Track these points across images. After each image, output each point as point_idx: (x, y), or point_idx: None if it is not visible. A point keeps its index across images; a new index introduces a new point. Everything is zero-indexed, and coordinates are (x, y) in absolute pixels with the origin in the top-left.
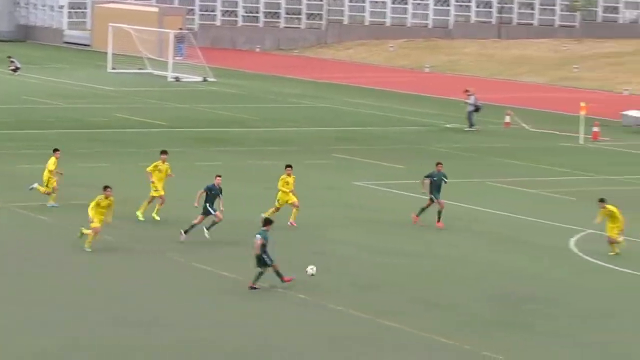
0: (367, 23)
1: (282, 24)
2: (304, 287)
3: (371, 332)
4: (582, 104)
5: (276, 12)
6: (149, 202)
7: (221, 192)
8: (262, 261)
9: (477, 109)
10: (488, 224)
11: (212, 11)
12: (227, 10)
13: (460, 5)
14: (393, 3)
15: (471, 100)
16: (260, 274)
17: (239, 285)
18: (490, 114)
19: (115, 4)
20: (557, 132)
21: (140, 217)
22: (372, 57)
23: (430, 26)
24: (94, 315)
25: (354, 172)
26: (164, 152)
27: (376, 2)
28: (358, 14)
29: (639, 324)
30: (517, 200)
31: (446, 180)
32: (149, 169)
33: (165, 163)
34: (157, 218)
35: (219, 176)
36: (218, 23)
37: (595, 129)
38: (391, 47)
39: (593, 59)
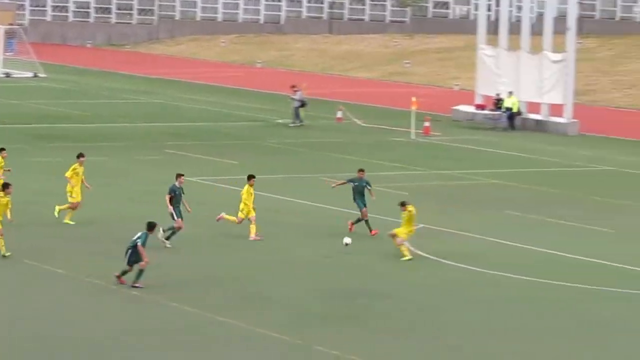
0: (198, 18)
1: (113, 19)
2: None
3: (205, 328)
4: (413, 99)
5: (107, 8)
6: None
7: (183, 193)
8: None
9: (303, 104)
10: (320, 219)
11: (43, 6)
12: (58, 6)
13: (292, 1)
14: None
15: (297, 95)
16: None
17: (77, 282)
18: (322, 109)
19: None
20: (389, 127)
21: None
22: (204, 52)
23: (261, 21)
24: None
25: (186, 168)
26: (81, 155)
27: None
28: (189, 9)
29: (468, 317)
30: (349, 195)
31: (370, 186)
32: (67, 173)
33: (82, 166)
34: (71, 223)
35: (182, 175)
36: (49, 18)
37: (427, 123)
38: (223, 42)
39: (423, 54)
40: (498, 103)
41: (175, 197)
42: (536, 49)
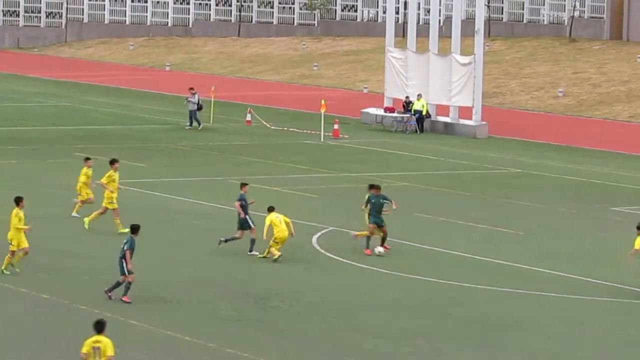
0: (107, 21)
1: (21, 22)
2: (50, 289)
3: (116, 330)
4: (322, 102)
5: (15, 10)
6: (101, 213)
7: (246, 202)
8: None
9: (199, 107)
10: (231, 221)
11: None
12: None
13: (200, 4)
14: (133, 1)
15: (194, 98)
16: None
17: None
18: (231, 112)
19: None
20: (298, 130)
21: (86, 225)
22: (112, 55)
23: (170, 24)
24: None
25: (95, 171)
26: (115, 161)
27: (116, 0)
28: (98, 12)
29: (378, 319)
30: (258, 198)
31: (388, 200)
32: (103, 180)
33: (117, 172)
34: (125, 230)
35: (246, 184)
36: None
37: (336, 126)
38: (131, 45)
39: (332, 57)
40: (407, 106)
41: (244, 205)
42: (444, 51)
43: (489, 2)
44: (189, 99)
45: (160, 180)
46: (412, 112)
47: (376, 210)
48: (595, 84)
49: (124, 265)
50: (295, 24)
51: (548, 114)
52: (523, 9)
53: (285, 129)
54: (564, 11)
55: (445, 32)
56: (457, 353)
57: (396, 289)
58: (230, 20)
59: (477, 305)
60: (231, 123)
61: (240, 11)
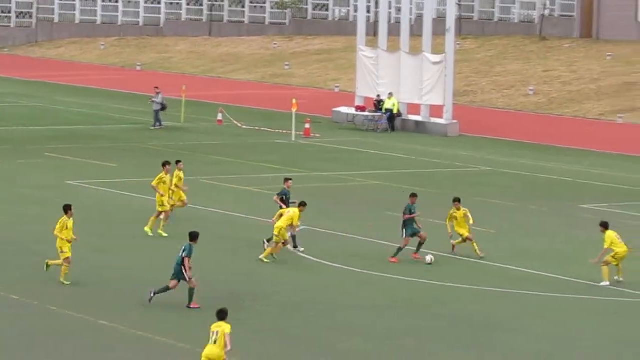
0: (77, 21)
1: None
2: (17, 288)
3: (85, 330)
4: (294, 101)
5: None
6: (157, 217)
7: (288, 197)
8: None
9: (163, 107)
10: (200, 221)
11: None
12: None
13: (171, 4)
14: (104, 1)
15: (158, 98)
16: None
17: None
18: (202, 111)
19: None
20: (270, 129)
21: (149, 233)
22: (83, 55)
23: (141, 24)
24: None
25: (66, 171)
26: (167, 163)
27: (87, 0)
28: (69, 12)
29: (362, 317)
30: (229, 197)
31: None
32: (154, 182)
33: (168, 175)
34: (164, 234)
35: (289, 179)
36: None
37: (307, 125)
38: (102, 45)
39: (303, 56)
40: (378, 104)
41: (285, 200)
42: (416, 50)
43: (460, 1)
44: (153, 99)
45: (131, 180)
46: (384, 111)
47: (412, 220)
48: (565, 82)
49: (184, 272)
50: (266, 23)
51: (519, 112)
52: (494, 8)
53: (257, 128)
54: (535, 10)
55: (416, 31)
56: (445, 353)
57: (375, 288)
58: (202, 19)
59: (461, 304)
60: (202, 122)
61: (211, 11)
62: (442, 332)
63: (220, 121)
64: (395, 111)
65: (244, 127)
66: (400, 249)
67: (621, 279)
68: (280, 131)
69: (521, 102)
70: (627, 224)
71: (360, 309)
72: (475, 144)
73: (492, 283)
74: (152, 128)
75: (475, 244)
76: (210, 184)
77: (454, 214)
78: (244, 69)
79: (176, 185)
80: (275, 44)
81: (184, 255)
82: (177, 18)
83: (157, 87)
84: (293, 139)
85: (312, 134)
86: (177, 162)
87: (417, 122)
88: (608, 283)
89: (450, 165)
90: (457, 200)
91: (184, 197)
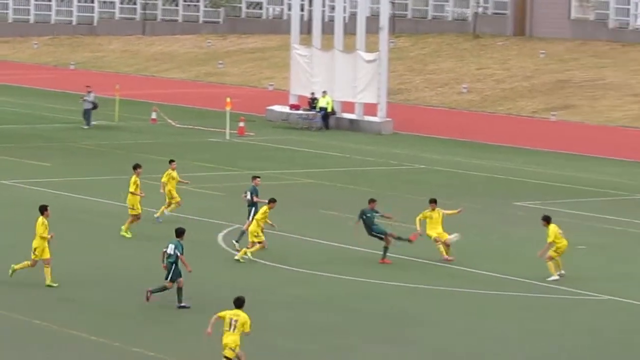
0: (10, 20)
1: None
2: None
3: (21, 331)
4: (228, 100)
5: None
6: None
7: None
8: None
9: (94, 106)
10: (144, 221)
11: None
12: None
13: (105, 2)
14: (37, 0)
15: (90, 97)
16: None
17: None
18: (136, 110)
19: None
20: (204, 128)
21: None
22: (16, 54)
23: (74, 23)
24: None
25: (0, 171)
26: (137, 167)
27: None
28: (1, 11)
29: (282, 316)
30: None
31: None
32: (131, 188)
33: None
34: (128, 235)
35: (257, 177)
36: None
37: (241, 124)
38: (35, 44)
39: (237, 55)
40: (312, 103)
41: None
42: (349, 48)
43: None
44: (85, 98)
45: (65, 179)
46: (318, 109)
47: (368, 225)
48: (498, 79)
49: (178, 268)
50: (200, 21)
51: (452, 110)
52: (427, 6)
53: (191, 127)
54: (468, 8)
55: (350, 29)
56: (363, 347)
57: (303, 286)
58: (135, 18)
59: (386, 301)
60: (136, 121)
61: (145, 9)
62: (363, 328)
63: (154, 120)
64: (329, 109)
65: (178, 125)
66: (386, 248)
67: (563, 272)
68: (214, 130)
69: (455, 100)
70: (560, 222)
71: (283, 307)
72: (409, 142)
73: (424, 280)
74: (86, 127)
75: (442, 246)
76: (146, 182)
77: (429, 214)
78: (177, 68)
79: (169, 189)
80: (209, 42)
81: (179, 253)
82: (111, 17)
83: (88, 86)
84: (227, 137)
85: (246, 133)
86: (170, 161)
87: (351, 121)
88: (557, 277)
89: (385, 163)
90: (433, 201)
91: (178, 198)
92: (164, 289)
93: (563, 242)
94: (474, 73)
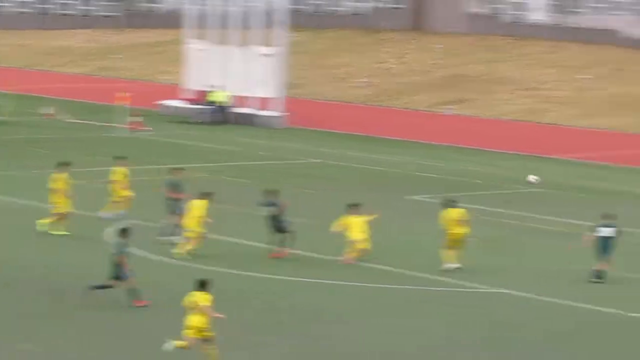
0: None
1: None
2: None
3: None
4: (123, 94)
5: None
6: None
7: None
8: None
9: None
10: (33, 218)
11: None
12: None
13: None
14: None
15: None
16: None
17: None
18: (30, 105)
19: None
20: (99, 123)
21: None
22: None
23: None
24: None
25: None
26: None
27: None
28: None
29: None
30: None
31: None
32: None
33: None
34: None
35: (182, 169)
36: None
37: (137, 118)
38: None
39: (134, 49)
40: (208, 97)
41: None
42: (246, 43)
43: None
44: None
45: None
46: (213, 104)
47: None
48: (396, 74)
49: (123, 268)
50: (97, 15)
51: (349, 104)
52: (327, 0)
53: (86, 121)
54: (367, 2)
55: (247, 23)
56: (258, 339)
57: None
58: (31, 12)
59: (289, 296)
60: (30, 116)
61: (41, 3)
62: (264, 322)
63: (48, 115)
64: (224, 104)
65: (73, 120)
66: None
67: (459, 265)
68: (110, 125)
69: (352, 94)
70: None
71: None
72: (304, 136)
73: (326, 275)
74: None
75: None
76: (43, 178)
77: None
78: (73, 62)
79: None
80: (105, 36)
81: (119, 252)
82: (5, 10)
83: None
84: (122, 132)
85: (142, 127)
86: (119, 158)
87: (246, 115)
88: (452, 266)
89: (279, 157)
90: (353, 206)
91: (130, 194)
92: (105, 286)
93: (455, 230)
94: (372, 67)
